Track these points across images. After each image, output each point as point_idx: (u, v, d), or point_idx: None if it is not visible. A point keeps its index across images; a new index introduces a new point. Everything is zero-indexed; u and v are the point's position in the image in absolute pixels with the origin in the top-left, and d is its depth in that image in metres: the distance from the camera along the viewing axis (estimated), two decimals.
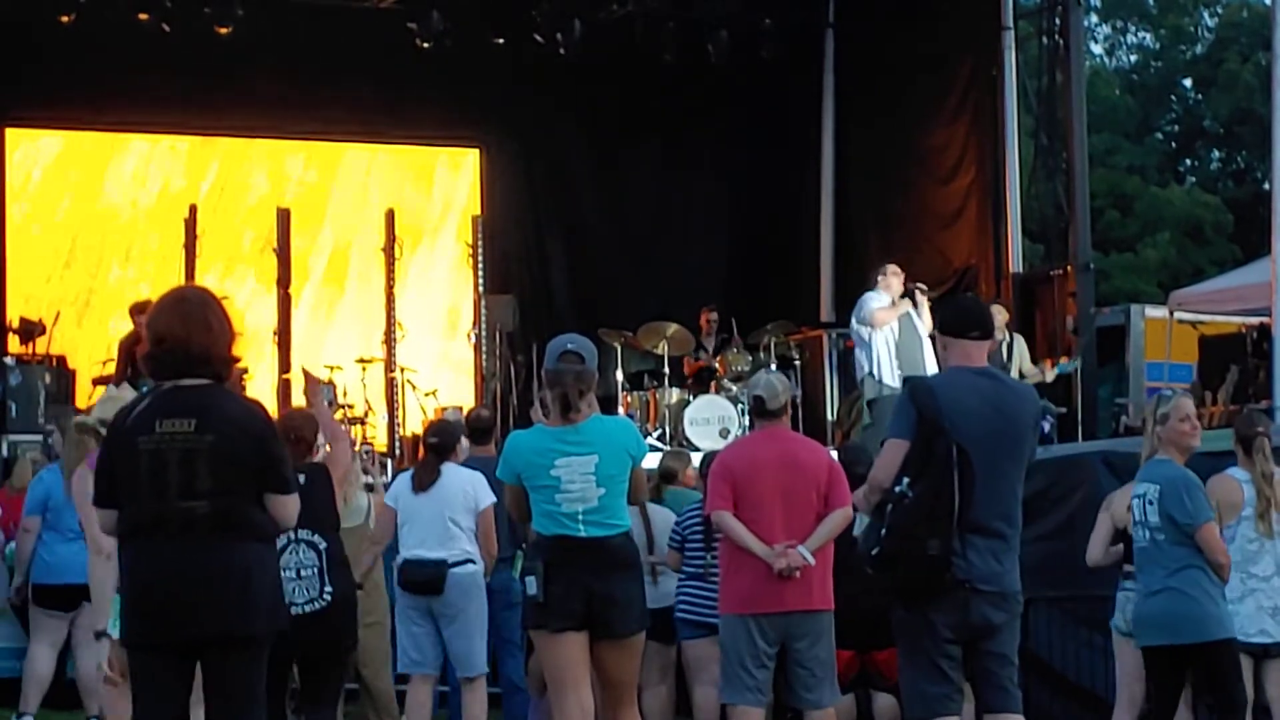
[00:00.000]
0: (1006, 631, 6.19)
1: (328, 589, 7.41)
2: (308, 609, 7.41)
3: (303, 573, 7.42)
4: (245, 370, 14.10)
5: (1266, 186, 20.47)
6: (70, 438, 9.41)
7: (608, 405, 15.88)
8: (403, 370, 15.81)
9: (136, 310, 14.64)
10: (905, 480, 6.01)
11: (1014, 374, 13.30)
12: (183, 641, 5.32)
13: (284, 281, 15.80)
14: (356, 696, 9.41)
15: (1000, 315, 13.49)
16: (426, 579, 8.62)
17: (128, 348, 11.90)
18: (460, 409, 14.83)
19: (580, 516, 6.36)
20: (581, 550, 6.49)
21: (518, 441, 6.57)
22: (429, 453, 8.85)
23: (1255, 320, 15.12)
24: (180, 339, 5.38)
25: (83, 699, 9.72)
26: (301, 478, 7.14)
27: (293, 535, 7.33)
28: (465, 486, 8.75)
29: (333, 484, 7.57)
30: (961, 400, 6.09)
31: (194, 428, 5.31)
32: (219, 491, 5.30)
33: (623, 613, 6.69)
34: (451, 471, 8.81)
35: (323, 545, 7.44)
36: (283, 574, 7.27)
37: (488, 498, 8.73)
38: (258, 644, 5.41)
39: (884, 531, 6.05)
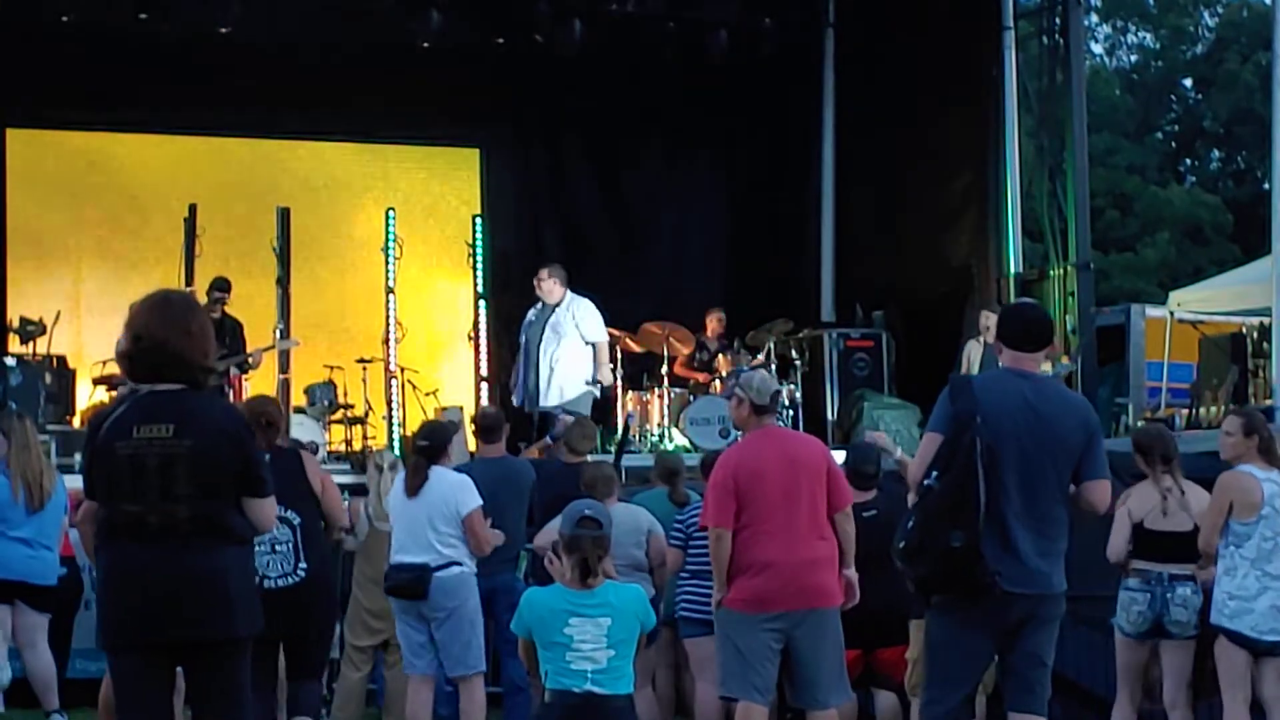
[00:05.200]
0: (1042, 632, 6.18)
1: (302, 565, 7.43)
2: (281, 583, 7.43)
3: (277, 547, 7.44)
4: (247, 364, 14.17)
5: (1266, 186, 20.47)
6: (17, 439, 9.48)
7: (606, 406, 15.93)
8: (403, 370, 15.81)
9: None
10: (934, 474, 6.00)
11: None
12: (163, 644, 5.33)
13: (284, 281, 15.79)
14: (374, 698, 9.47)
15: (989, 319, 13.52)
16: (408, 583, 8.57)
17: None
18: (460, 409, 14.84)
19: (589, 675, 6.35)
20: (586, 711, 6.41)
21: (533, 598, 6.54)
22: (418, 455, 8.76)
23: (1255, 320, 15.12)
24: (158, 340, 5.38)
25: (38, 696, 9.70)
26: (265, 456, 7.30)
27: None
28: (446, 493, 8.66)
29: (304, 463, 7.57)
30: (1000, 399, 6.09)
31: (172, 432, 5.31)
32: (198, 495, 5.31)
33: None
34: (438, 476, 8.72)
35: (297, 520, 7.47)
36: (257, 548, 7.36)
37: (470, 503, 8.64)
38: (238, 646, 5.42)
39: (910, 525, 6.05)
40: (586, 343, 12.95)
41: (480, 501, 8.70)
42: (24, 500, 9.44)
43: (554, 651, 6.35)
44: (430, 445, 8.81)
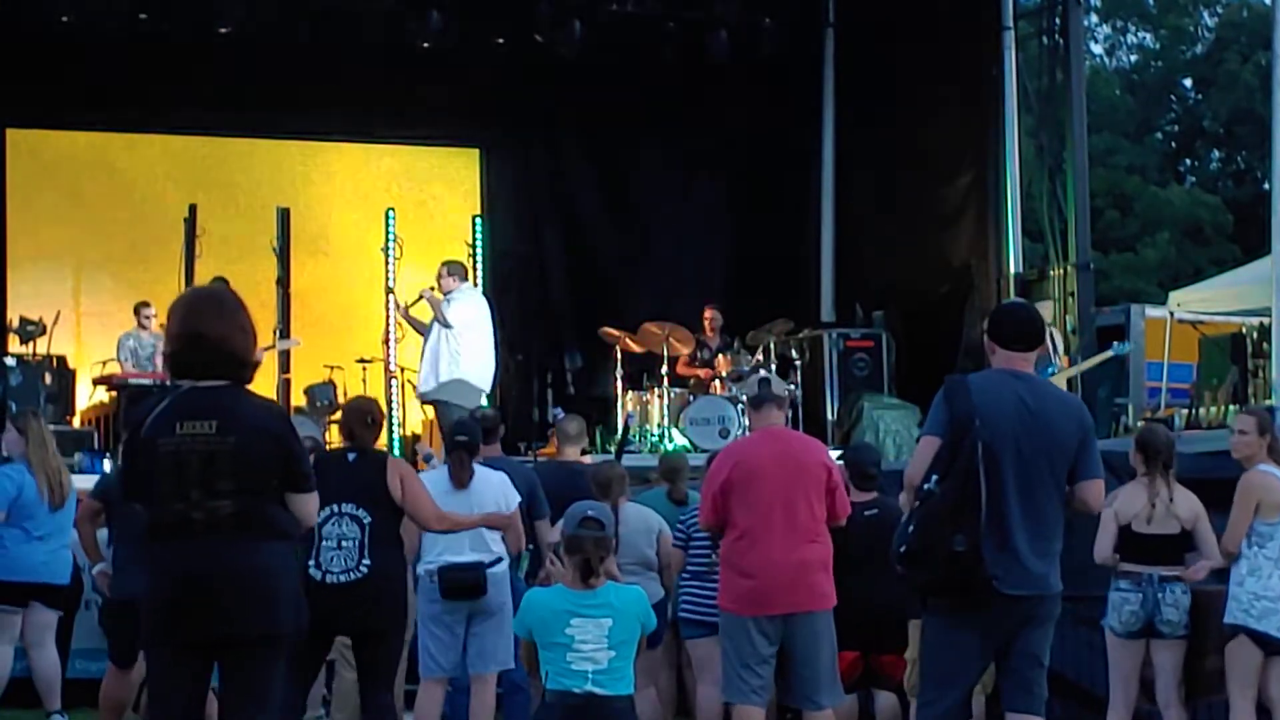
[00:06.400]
0: (1039, 632, 6.16)
1: (365, 561, 7.48)
2: (343, 579, 7.48)
3: (343, 544, 7.51)
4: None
5: (1266, 186, 20.47)
6: (34, 437, 9.47)
7: (606, 406, 15.94)
8: (403, 370, 15.82)
9: (140, 308, 14.69)
10: (934, 478, 5.97)
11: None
12: (207, 641, 5.33)
13: (284, 281, 15.80)
14: None
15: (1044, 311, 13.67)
16: (471, 584, 8.53)
17: None
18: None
19: (589, 675, 6.34)
20: (586, 711, 6.34)
21: (534, 599, 6.53)
22: (461, 450, 8.74)
23: (1255, 320, 15.13)
24: (218, 337, 5.38)
25: (41, 696, 9.71)
26: (351, 456, 7.70)
27: (335, 508, 7.54)
28: (497, 487, 8.72)
29: (387, 468, 7.69)
30: (997, 400, 6.04)
31: (215, 429, 5.31)
32: (241, 491, 5.31)
33: None
34: (481, 472, 8.77)
35: (367, 520, 7.53)
36: (323, 543, 7.46)
37: (516, 498, 8.74)
38: (281, 642, 5.43)
39: (911, 529, 6.03)
40: (447, 324, 13.04)
41: (520, 497, 8.77)
42: (46, 498, 9.42)
43: (555, 652, 6.33)
44: (470, 440, 8.83)
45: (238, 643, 5.33)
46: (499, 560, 8.67)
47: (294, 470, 5.43)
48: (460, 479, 8.69)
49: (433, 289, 13.43)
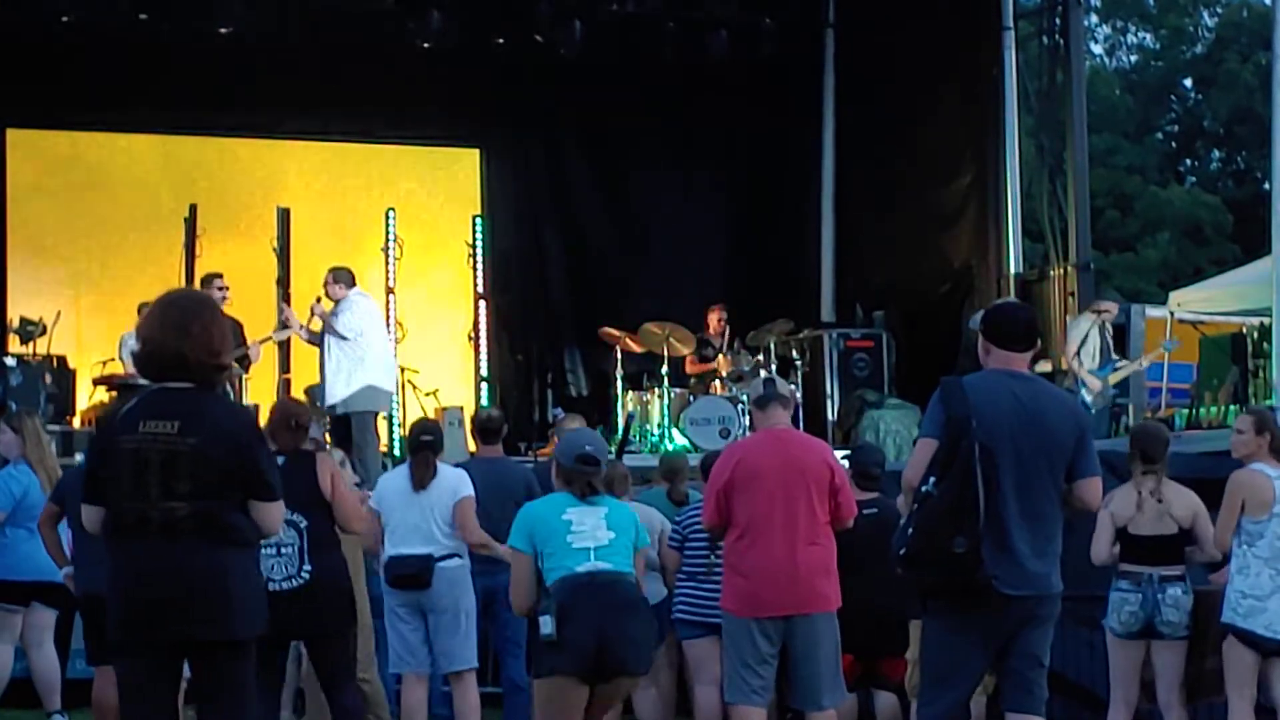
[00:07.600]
0: (1039, 633, 6.15)
1: (306, 567, 7.47)
2: (285, 586, 7.45)
3: (283, 550, 7.47)
4: (247, 359, 14.12)
5: (1266, 186, 20.47)
6: (30, 436, 9.47)
7: (606, 406, 15.94)
8: (403, 370, 15.80)
9: (144, 308, 14.65)
10: (931, 480, 5.95)
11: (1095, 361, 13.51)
12: (165, 643, 5.33)
13: (284, 281, 15.79)
14: None
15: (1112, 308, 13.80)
16: (413, 573, 8.65)
17: None
18: (460, 409, 14.85)
19: (592, 551, 6.38)
20: (594, 588, 6.42)
21: (529, 506, 6.61)
22: (426, 450, 8.85)
23: (1255, 320, 15.14)
24: (159, 342, 5.41)
25: (41, 696, 9.70)
26: (282, 460, 7.45)
27: None
28: (451, 486, 8.81)
29: (318, 468, 7.65)
30: (993, 400, 6.02)
31: (177, 430, 5.32)
32: (199, 494, 5.30)
33: (637, 651, 6.62)
34: (441, 470, 8.86)
35: (304, 524, 7.50)
36: (263, 550, 7.39)
37: (466, 491, 8.80)
38: (239, 647, 5.40)
39: (910, 531, 6.02)
40: (342, 337, 12.93)
41: (473, 492, 8.82)
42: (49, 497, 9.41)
43: (554, 540, 6.38)
44: (435, 440, 8.96)
45: (195, 645, 5.33)
46: (452, 556, 8.73)
47: (256, 478, 5.40)
48: (421, 479, 8.79)
49: (320, 300, 13.24)
